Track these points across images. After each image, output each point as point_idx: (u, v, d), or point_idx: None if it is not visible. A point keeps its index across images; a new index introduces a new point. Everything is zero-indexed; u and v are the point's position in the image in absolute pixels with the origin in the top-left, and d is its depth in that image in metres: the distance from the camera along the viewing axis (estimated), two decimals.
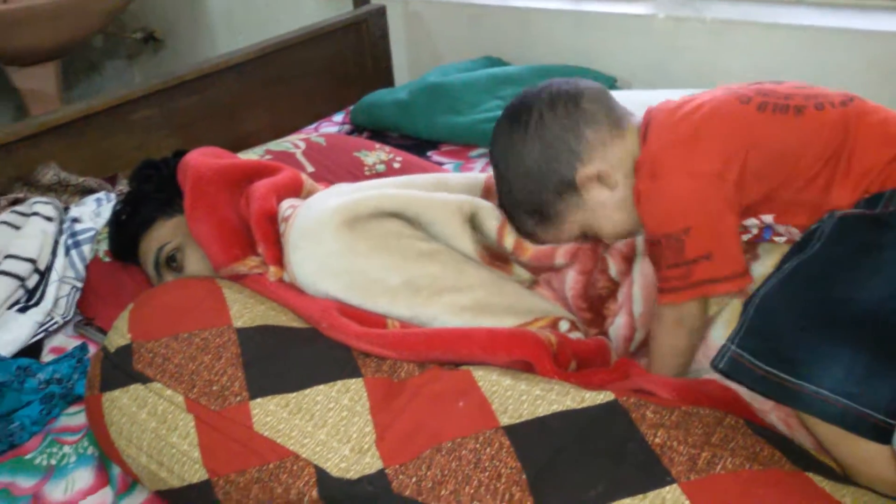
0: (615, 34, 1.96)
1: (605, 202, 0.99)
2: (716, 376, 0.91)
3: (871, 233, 0.83)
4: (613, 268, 1.04)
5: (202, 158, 1.22)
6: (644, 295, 1.03)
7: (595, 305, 1.06)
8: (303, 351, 0.96)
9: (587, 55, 1.98)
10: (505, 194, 1.05)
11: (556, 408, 0.86)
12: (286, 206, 1.14)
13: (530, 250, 1.06)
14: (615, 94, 1.67)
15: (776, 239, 0.96)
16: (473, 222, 1.07)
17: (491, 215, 1.07)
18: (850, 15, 1.79)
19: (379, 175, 1.52)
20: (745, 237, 0.97)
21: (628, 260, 1.04)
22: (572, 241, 1.05)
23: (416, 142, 1.85)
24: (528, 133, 0.99)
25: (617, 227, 1.01)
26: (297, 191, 1.22)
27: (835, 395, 0.78)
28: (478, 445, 0.82)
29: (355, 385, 0.91)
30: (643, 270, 1.04)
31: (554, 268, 1.07)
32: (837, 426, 0.79)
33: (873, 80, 1.70)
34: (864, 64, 1.71)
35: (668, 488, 0.76)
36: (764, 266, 0.97)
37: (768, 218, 0.94)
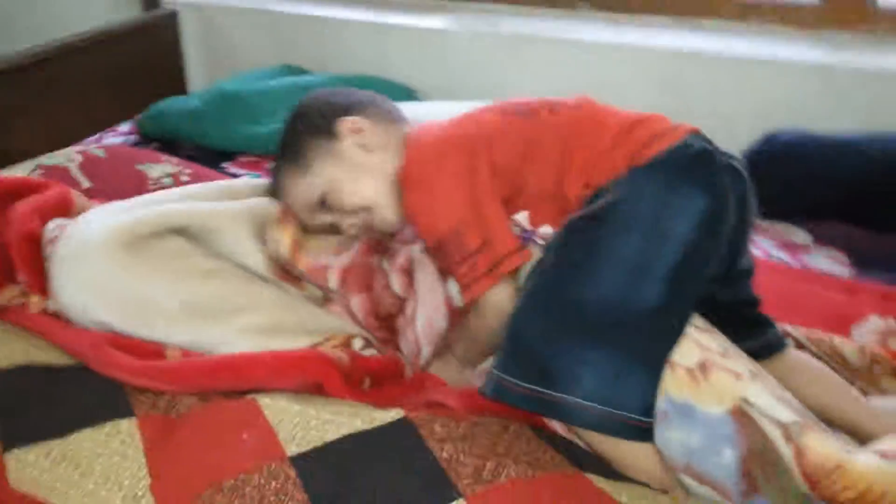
0: (414, 46, 1.98)
1: (358, 161, 1.01)
2: None
3: (590, 231, 0.88)
4: (396, 283, 1.04)
5: None
6: (424, 309, 1.03)
7: (388, 323, 1.05)
8: (68, 391, 0.88)
9: (387, 66, 1.98)
10: (276, 173, 1.08)
11: (345, 431, 0.84)
12: (52, 226, 1.05)
13: (303, 260, 1.04)
14: (413, 104, 1.70)
15: (537, 243, 1.00)
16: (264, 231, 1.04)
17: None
18: (638, 32, 1.91)
19: (165, 189, 1.43)
20: None
21: (408, 273, 1.05)
22: (315, 215, 1.04)
23: (210, 153, 1.77)
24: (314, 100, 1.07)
25: (358, 193, 1.02)
26: (66, 210, 1.12)
27: (590, 402, 0.81)
28: (262, 480, 0.78)
29: (127, 425, 0.84)
30: (422, 283, 1.03)
31: (331, 290, 1.05)
32: (599, 432, 0.83)
33: (658, 94, 1.83)
34: (650, 79, 1.83)
35: (454, 503, 0.76)
36: None
37: (523, 217, 0.99)
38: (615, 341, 0.83)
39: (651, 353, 0.85)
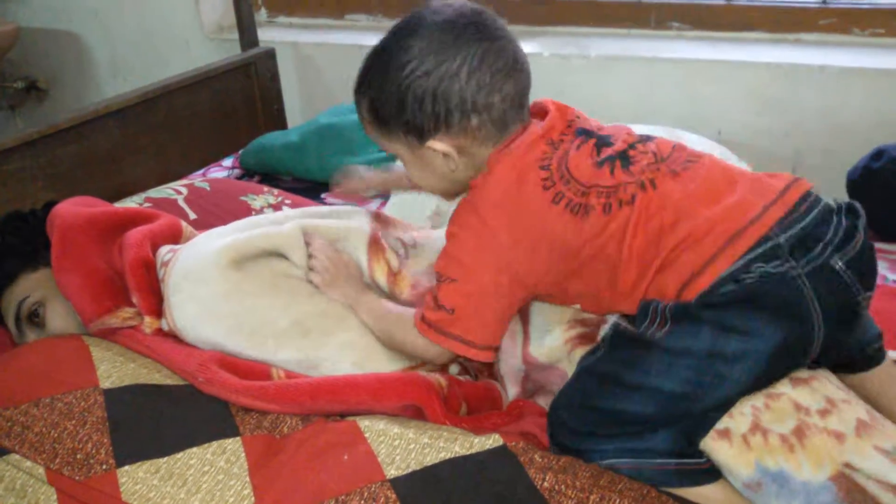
0: None
1: (434, 166, 0.93)
2: None
3: (637, 348, 0.84)
4: None
5: (72, 208, 1.15)
6: (505, 354, 1.01)
7: None
8: (176, 411, 0.90)
9: None
10: (371, 79, 0.92)
11: (444, 455, 0.83)
12: (165, 250, 1.09)
13: (406, 290, 1.03)
14: None
15: None
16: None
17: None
18: (726, 47, 1.87)
19: None
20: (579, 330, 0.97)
21: None
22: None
23: (309, 185, 1.81)
24: (438, 72, 0.87)
25: (422, 184, 0.97)
26: (175, 238, 1.17)
27: (622, 459, 0.82)
28: (363, 501, 0.78)
29: (232, 445, 0.85)
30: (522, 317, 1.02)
31: None
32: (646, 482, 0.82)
33: (750, 108, 1.78)
34: (740, 93, 1.78)
35: None
36: None
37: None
38: (646, 431, 0.83)
39: (683, 429, 0.83)
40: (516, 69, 0.89)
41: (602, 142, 0.90)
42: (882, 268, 1.36)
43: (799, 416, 0.81)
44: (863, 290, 0.82)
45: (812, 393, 0.83)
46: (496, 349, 0.94)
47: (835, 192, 1.60)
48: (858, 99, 1.68)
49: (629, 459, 0.82)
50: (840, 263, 0.80)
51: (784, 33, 1.87)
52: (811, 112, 1.73)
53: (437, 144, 0.90)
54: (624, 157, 0.88)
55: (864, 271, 0.82)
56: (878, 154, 1.46)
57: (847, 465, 0.78)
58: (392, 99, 0.89)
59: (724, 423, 0.82)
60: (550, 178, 0.87)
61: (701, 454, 0.83)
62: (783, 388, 0.83)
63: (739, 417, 0.82)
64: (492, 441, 0.84)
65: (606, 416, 0.83)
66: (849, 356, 0.91)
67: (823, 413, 0.81)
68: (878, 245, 1.44)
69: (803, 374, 0.85)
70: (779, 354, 0.79)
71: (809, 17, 1.84)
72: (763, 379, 0.82)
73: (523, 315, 1.00)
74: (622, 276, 0.86)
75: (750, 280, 0.79)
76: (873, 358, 0.93)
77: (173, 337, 1.02)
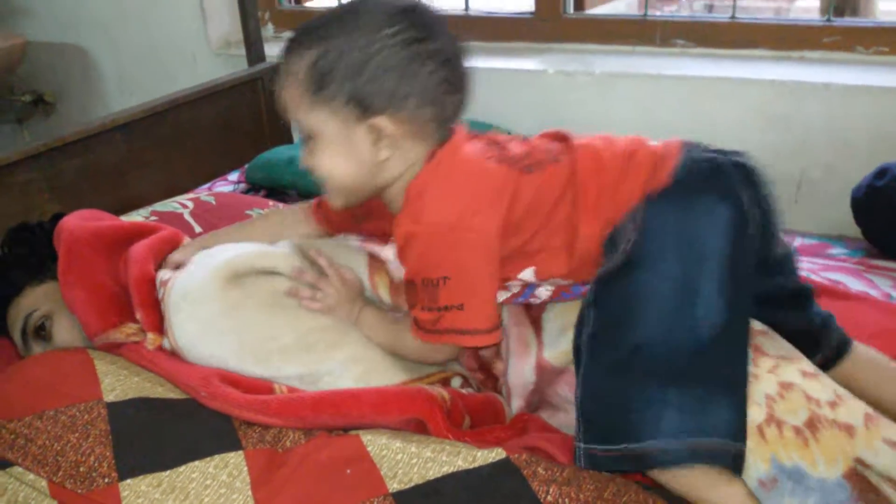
0: (509, 89, 2.00)
1: (358, 151, 0.88)
2: None
3: (624, 279, 0.84)
4: None
5: (78, 221, 1.16)
6: (514, 363, 1.01)
7: (485, 365, 1.04)
8: (178, 424, 0.90)
9: (483, 109, 1.99)
10: (327, 36, 0.85)
11: (447, 469, 0.83)
12: (166, 269, 1.09)
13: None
14: None
15: (537, 296, 0.98)
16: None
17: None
18: (731, 65, 1.88)
19: None
20: (505, 295, 0.98)
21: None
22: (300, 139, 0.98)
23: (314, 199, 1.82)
24: (410, 50, 0.85)
25: (330, 168, 0.90)
26: (175, 248, 1.17)
27: (677, 439, 0.78)
28: None
29: (235, 459, 0.85)
30: (514, 338, 1.01)
31: None
32: (692, 465, 0.79)
33: (754, 125, 1.78)
34: (745, 111, 1.79)
35: None
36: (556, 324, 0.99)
37: (528, 274, 0.94)
38: (689, 375, 0.80)
39: (728, 375, 0.82)
40: (466, 88, 0.91)
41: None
42: (887, 286, 1.35)
43: (810, 406, 0.82)
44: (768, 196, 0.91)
45: (821, 385, 0.84)
46: (500, 326, 0.93)
47: (838, 209, 1.60)
48: (863, 116, 1.68)
49: (684, 439, 0.78)
50: (747, 163, 0.90)
51: (788, 51, 1.88)
52: (815, 129, 1.73)
53: (383, 123, 0.85)
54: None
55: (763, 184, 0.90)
56: (882, 172, 1.46)
57: (859, 461, 0.78)
58: (351, 59, 0.83)
59: None
60: (498, 155, 0.91)
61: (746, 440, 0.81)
62: (794, 377, 0.84)
63: (755, 407, 0.83)
64: (495, 454, 0.84)
65: (636, 363, 0.81)
66: (804, 327, 0.96)
67: (833, 405, 0.82)
68: (881, 262, 1.44)
69: (809, 368, 0.87)
70: (734, 229, 0.83)
71: (814, 34, 1.85)
72: (733, 261, 0.83)
73: (536, 325, 1.00)
74: (582, 199, 0.89)
75: (698, 165, 0.87)
76: (832, 336, 0.98)
77: (175, 355, 1.02)
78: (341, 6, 0.88)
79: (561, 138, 0.96)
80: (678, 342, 0.81)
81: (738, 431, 0.80)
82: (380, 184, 0.92)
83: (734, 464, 0.79)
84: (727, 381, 0.82)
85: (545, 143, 0.95)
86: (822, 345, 0.98)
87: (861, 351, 0.99)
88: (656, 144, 0.92)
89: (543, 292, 0.98)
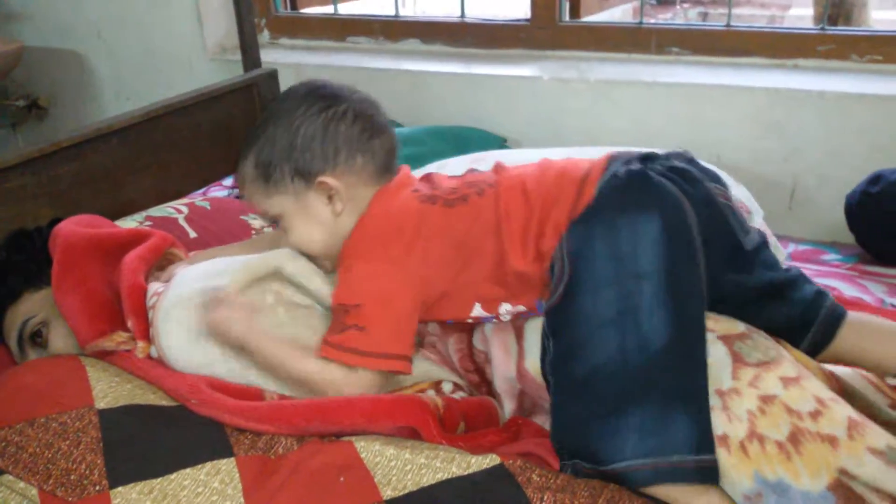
0: (504, 96, 2.00)
1: (317, 213, 1.00)
2: None
3: (566, 308, 0.87)
4: (478, 338, 1.03)
5: (74, 228, 1.15)
6: (499, 370, 1.01)
7: (480, 367, 1.03)
8: (170, 431, 0.89)
9: (478, 116, 2.00)
10: (258, 136, 1.01)
11: (441, 476, 0.82)
12: (156, 283, 1.09)
13: None
14: (505, 153, 1.70)
15: (501, 318, 1.00)
16: None
17: None
18: (726, 72, 1.88)
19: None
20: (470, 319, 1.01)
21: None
22: (266, 219, 1.07)
23: None
24: (324, 115, 0.99)
25: (305, 240, 1.01)
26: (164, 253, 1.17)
27: (639, 459, 0.80)
28: None
29: (226, 465, 0.85)
30: (496, 345, 1.01)
31: (427, 332, 1.04)
32: (658, 485, 0.80)
33: (749, 133, 1.78)
34: (739, 118, 1.79)
35: None
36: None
37: (478, 310, 0.98)
38: (644, 393, 0.81)
39: (684, 387, 0.82)
40: (388, 130, 1.03)
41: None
42: (880, 291, 1.35)
43: (792, 420, 0.81)
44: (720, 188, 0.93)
45: (802, 393, 0.83)
46: (410, 360, 0.96)
47: (832, 216, 1.61)
48: (856, 124, 1.69)
49: (646, 459, 0.80)
50: (682, 164, 0.92)
51: (783, 59, 1.89)
52: (809, 137, 1.73)
53: (327, 179, 0.98)
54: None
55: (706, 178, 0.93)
56: (876, 179, 1.47)
57: (843, 472, 0.78)
58: (282, 144, 0.98)
59: (721, 427, 0.82)
60: (422, 193, 1.00)
61: (714, 450, 0.81)
62: (775, 388, 0.83)
63: (736, 423, 0.82)
64: (489, 461, 0.84)
65: (588, 392, 0.84)
66: (794, 313, 0.96)
67: (815, 415, 0.82)
68: (875, 268, 1.44)
69: (791, 371, 0.86)
70: (670, 239, 0.84)
71: (808, 43, 1.86)
72: (673, 272, 0.83)
73: (518, 331, 1.00)
74: (506, 230, 0.94)
75: (621, 180, 0.89)
76: (820, 314, 0.97)
77: (163, 364, 1.02)
78: (264, 111, 1.03)
79: (496, 169, 1.03)
80: (629, 362, 0.82)
81: (701, 443, 0.80)
82: (346, 234, 1.01)
83: (701, 476, 0.80)
84: (684, 393, 0.82)
85: (476, 176, 1.02)
86: (813, 326, 0.96)
87: (855, 318, 0.97)
88: (587, 163, 0.94)
89: (505, 315, 0.99)
